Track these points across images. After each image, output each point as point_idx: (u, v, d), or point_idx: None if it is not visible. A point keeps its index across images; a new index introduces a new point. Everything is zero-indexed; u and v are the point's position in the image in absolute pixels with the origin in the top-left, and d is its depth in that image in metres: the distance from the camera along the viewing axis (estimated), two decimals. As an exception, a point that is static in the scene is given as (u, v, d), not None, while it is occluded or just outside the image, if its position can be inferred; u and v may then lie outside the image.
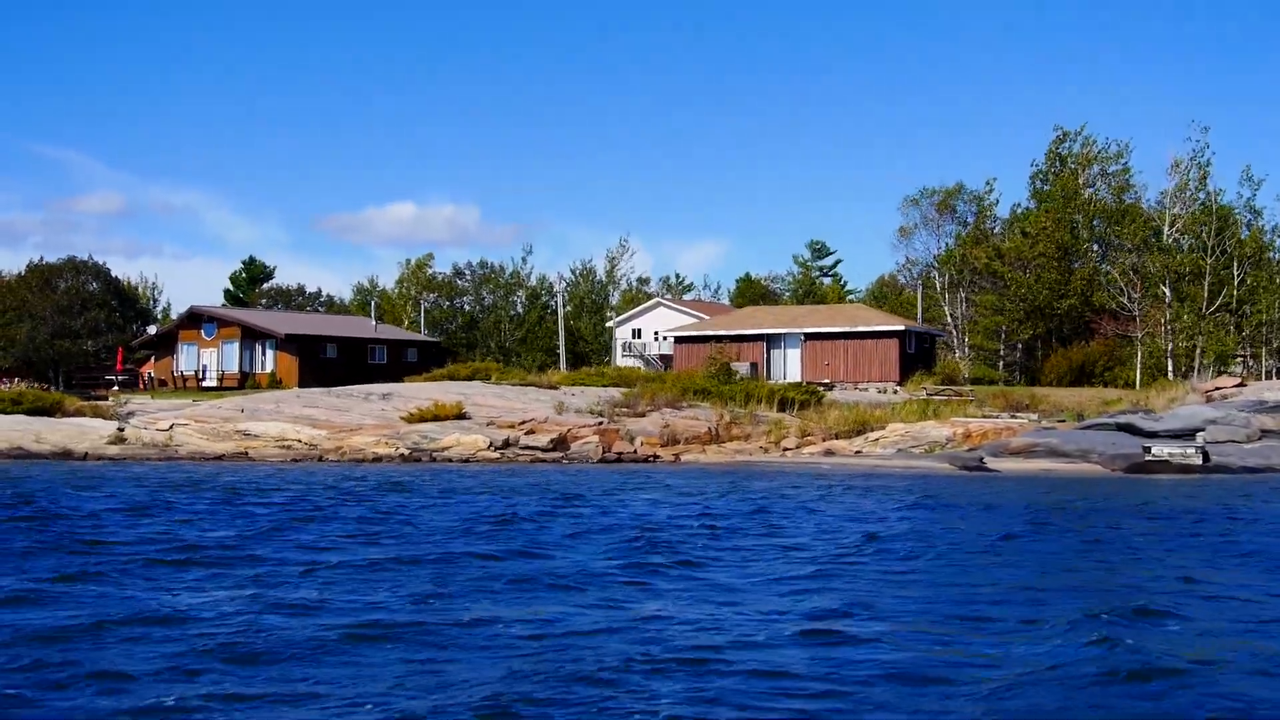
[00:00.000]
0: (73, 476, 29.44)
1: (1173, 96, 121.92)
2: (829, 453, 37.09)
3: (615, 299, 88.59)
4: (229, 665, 9.09)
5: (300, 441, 38.71)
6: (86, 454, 37.80)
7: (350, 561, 14.27)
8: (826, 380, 52.03)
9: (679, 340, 58.50)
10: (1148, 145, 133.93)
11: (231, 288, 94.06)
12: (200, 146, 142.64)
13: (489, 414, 40.52)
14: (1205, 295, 57.81)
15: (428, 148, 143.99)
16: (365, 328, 68.11)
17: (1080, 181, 66.65)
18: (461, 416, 39.87)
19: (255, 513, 20.24)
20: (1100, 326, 59.47)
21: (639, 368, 58.44)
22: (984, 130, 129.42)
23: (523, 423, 39.26)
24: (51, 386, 59.77)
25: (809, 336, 54.92)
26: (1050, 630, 10.32)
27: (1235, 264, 59.12)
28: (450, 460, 36.66)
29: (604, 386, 46.03)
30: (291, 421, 40.20)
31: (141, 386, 61.76)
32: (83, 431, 39.82)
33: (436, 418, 39.55)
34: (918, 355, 55.29)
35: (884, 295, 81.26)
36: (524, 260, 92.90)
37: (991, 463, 33.42)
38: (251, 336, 62.27)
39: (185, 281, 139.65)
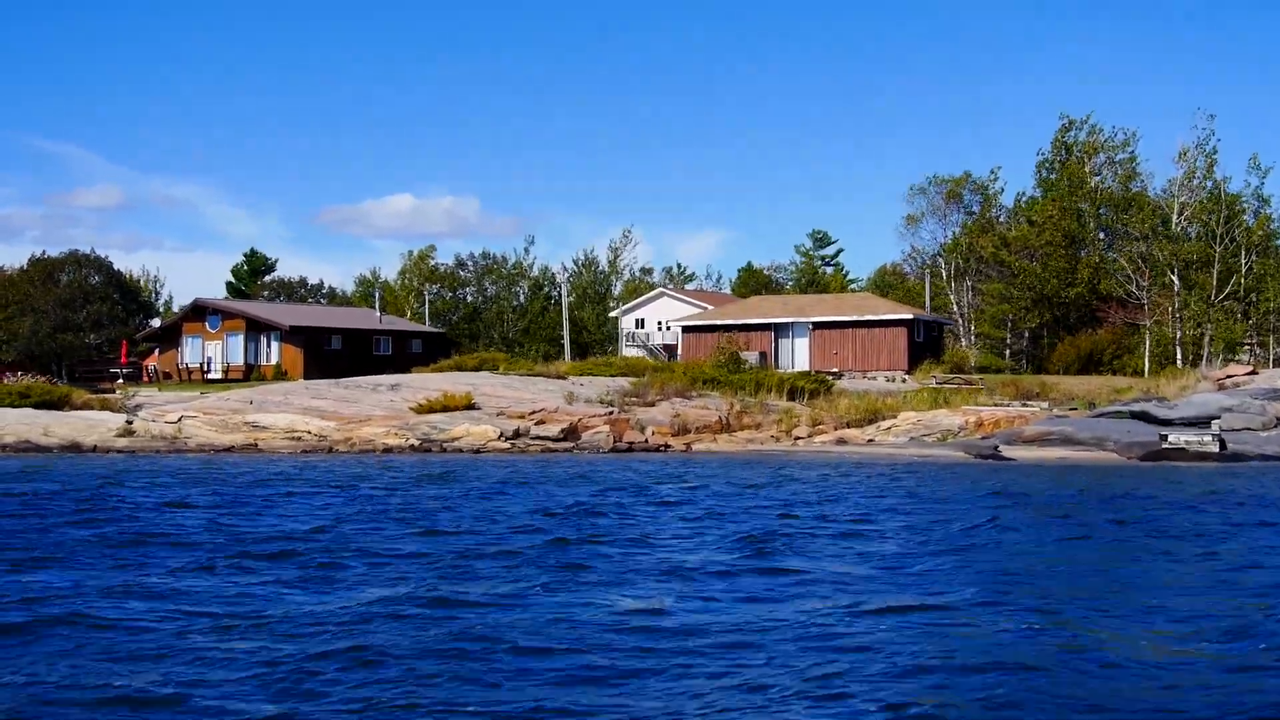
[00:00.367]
0: (124, 473, 27.76)
1: (1179, 84, 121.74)
2: (841, 441, 36.96)
3: (618, 289, 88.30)
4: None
5: (310, 433, 38.56)
6: (95, 447, 37.64)
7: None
8: (835, 369, 51.86)
9: (686, 329, 58.31)
10: (1154, 133, 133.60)
11: (233, 280, 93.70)
12: (199, 140, 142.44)
13: (498, 404, 40.36)
14: (1214, 283, 57.61)
15: (426, 139, 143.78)
16: (370, 319, 67.87)
17: (1086, 170, 66.39)
18: (471, 407, 39.71)
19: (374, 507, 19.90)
20: (1108, 315, 59.26)
21: (645, 357, 58.22)
22: (989, 120, 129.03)
23: (533, 413, 39.09)
24: (55, 380, 59.49)
25: (817, 325, 54.72)
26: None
27: (1243, 252, 58.92)
28: (461, 451, 36.47)
29: (612, 376, 45.87)
30: (300, 413, 40.06)
31: (145, 379, 61.54)
32: (91, 425, 39.67)
33: (446, 408, 39.39)
34: (926, 344, 55.11)
35: (886, 284, 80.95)
36: (526, 251, 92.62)
37: (1006, 451, 33.31)
38: (256, 329, 62.05)
39: (186, 275, 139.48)
